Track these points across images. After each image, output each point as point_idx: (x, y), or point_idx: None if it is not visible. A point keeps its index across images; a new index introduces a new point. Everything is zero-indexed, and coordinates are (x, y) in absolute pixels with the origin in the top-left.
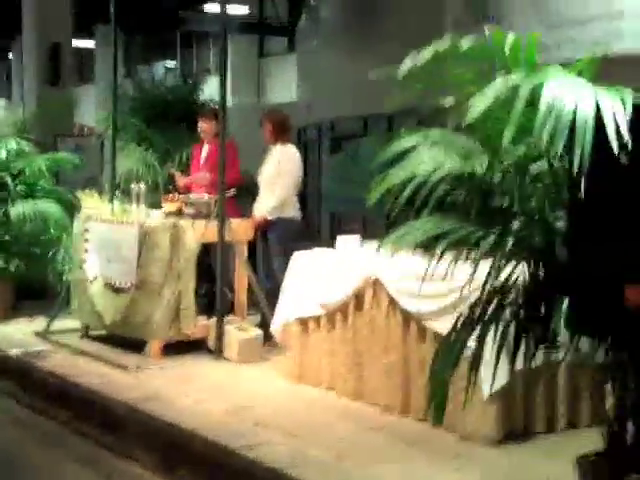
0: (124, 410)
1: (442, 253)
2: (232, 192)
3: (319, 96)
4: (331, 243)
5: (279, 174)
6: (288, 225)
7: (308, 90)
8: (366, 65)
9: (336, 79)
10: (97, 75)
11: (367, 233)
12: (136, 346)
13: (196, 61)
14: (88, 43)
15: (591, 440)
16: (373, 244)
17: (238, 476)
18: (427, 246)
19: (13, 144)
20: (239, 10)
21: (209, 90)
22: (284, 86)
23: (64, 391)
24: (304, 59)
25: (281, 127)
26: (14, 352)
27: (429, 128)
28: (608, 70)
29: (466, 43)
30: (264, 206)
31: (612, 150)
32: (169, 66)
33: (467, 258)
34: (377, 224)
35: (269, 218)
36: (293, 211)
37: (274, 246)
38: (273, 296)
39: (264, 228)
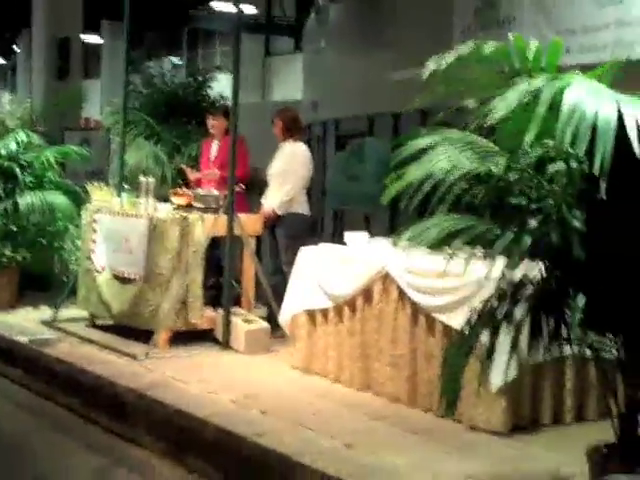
0: (133, 397)
1: (457, 250)
2: (241, 187)
3: (325, 95)
4: (334, 239)
5: (289, 170)
6: (297, 220)
7: (314, 89)
8: (373, 66)
9: (342, 78)
10: (103, 70)
11: (369, 230)
12: (142, 336)
13: (202, 59)
14: (93, 38)
15: (598, 433)
16: (381, 240)
17: (247, 463)
18: (440, 243)
19: (23, 136)
20: (247, 9)
21: (216, 87)
22: (290, 85)
23: (73, 378)
24: (311, 58)
25: (292, 124)
26: (22, 339)
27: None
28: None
29: (489, 47)
30: (273, 201)
31: (633, 152)
32: (176, 62)
33: (484, 256)
34: (380, 221)
35: (278, 213)
36: (302, 207)
37: (282, 241)
38: (280, 290)
39: (272, 222)
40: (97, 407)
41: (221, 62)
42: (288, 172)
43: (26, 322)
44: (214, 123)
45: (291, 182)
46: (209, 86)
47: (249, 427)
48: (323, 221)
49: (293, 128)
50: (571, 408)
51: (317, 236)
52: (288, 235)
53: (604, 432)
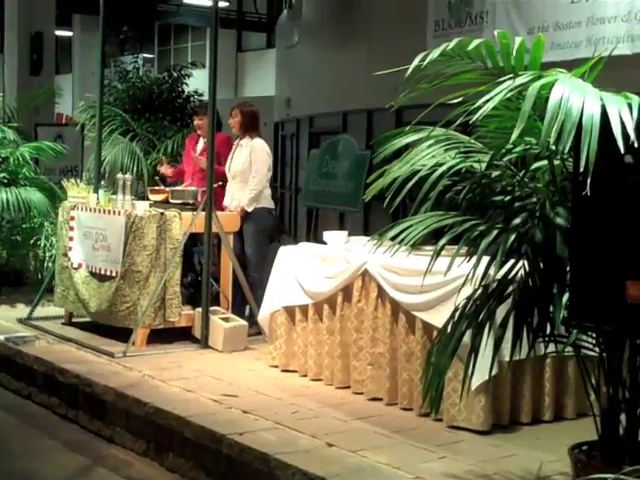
0: (111, 396)
1: (442, 247)
2: (219, 184)
3: (298, 91)
4: (309, 238)
5: (252, 167)
6: (264, 216)
7: (287, 85)
8: (346, 62)
9: (316, 75)
10: (75, 65)
11: (343, 228)
12: (120, 334)
13: (173, 54)
14: (64, 32)
15: (576, 431)
16: (360, 239)
17: (227, 461)
18: (425, 241)
19: None
20: (218, 4)
21: (190, 83)
22: (262, 81)
23: (51, 377)
24: (283, 54)
25: (250, 121)
26: None
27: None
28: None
29: (473, 43)
30: (240, 199)
31: (618, 150)
32: (147, 57)
33: (467, 253)
34: (355, 220)
35: (248, 210)
36: (267, 201)
37: (249, 237)
38: (250, 287)
39: (241, 220)
40: (76, 406)
41: (192, 57)
42: (252, 169)
43: (2, 320)
44: (200, 123)
45: (256, 178)
46: (185, 82)
47: (229, 426)
48: (297, 219)
49: (250, 125)
50: (550, 407)
51: (286, 233)
52: (257, 230)
53: (583, 431)
